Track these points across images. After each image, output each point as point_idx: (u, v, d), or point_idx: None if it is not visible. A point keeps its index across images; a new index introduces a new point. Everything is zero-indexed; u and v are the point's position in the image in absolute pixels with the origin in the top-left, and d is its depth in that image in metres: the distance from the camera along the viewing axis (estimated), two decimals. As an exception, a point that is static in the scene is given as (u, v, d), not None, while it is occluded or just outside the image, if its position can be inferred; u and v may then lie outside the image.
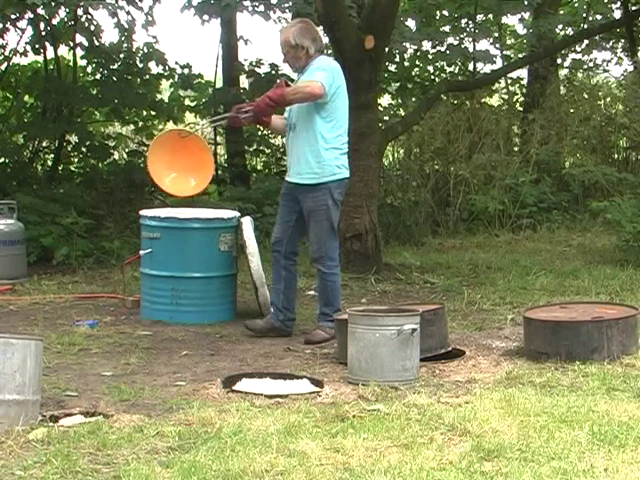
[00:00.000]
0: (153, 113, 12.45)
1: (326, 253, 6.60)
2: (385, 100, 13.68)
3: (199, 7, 10.86)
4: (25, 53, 11.72)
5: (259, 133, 12.92)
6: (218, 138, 12.98)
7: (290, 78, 12.85)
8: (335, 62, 6.87)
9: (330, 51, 13.13)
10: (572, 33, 14.43)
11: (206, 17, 11.03)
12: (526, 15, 13.90)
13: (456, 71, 14.07)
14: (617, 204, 9.97)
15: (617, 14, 14.44)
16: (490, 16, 14.10)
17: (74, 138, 12.12)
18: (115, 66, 12.06)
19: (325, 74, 6.50)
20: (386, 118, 12.45)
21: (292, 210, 6.70)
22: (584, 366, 5.72)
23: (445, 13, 14.05)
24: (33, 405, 4.73)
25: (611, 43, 15.47)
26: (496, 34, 14.33)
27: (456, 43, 13.20)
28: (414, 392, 5.29)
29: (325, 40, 13.17)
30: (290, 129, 6.73)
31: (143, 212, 7.56)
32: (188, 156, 6.98)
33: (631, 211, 9.68)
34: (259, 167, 13.19)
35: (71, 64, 12.05)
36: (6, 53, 11.76)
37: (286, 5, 11.17)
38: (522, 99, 14.39)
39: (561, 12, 14.46)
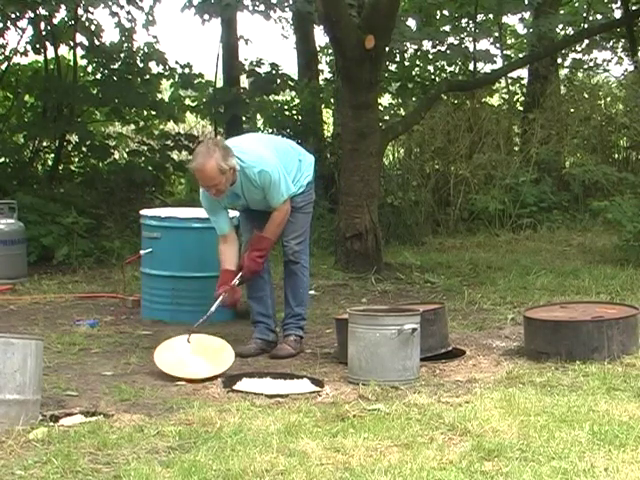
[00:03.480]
0: (153, 113, 12.45)
1: (304, 249, 6.43)
2: (385, 100, 13.68)
3: (199, 7, 10.88)
4: (25, 53, 11.73)
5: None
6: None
7: (290, 77, 12.94)
8: (254, 145, 6.34)
9: (330, 51, 13.22)
10: (572, 33, 14.45)
11: (206, 17, 11.04)
12: (526, 15, 13.93)
13: (456, 71, 14.07)
14: (617, 204, 9.97)
15: (617, 14, 14.46)
16: (490, 16, 14.12)
17: (74, 138, 12.12)
18: (115, 66, 12.06)
19: (280, 180, 6.13)
20: (386, 118, 12.45)
21: (265, 212, 6.35)
22: (584, 366, 5.72)
23: (445, 13, 14.07)
24: (33, 405, 4.73)
25: (611, 43, 15.50)
26: (496, 34, 14.35)
27: (456, 43, 13.21)
28: (414, 392, 5.29)
29: (325, 40, 13.32)
30: (250, 211, 6.44)
31: (143, 212, 7.56)
32: (200, 347, 6.10)
33: (631, 211, 9.69)
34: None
35: (71, 64, 12.04)
36: (6, 53, 11.76)
37: (286, 4, 11.18)
38: (522, 99, 14.39)
39: (561, 12, 14.46)
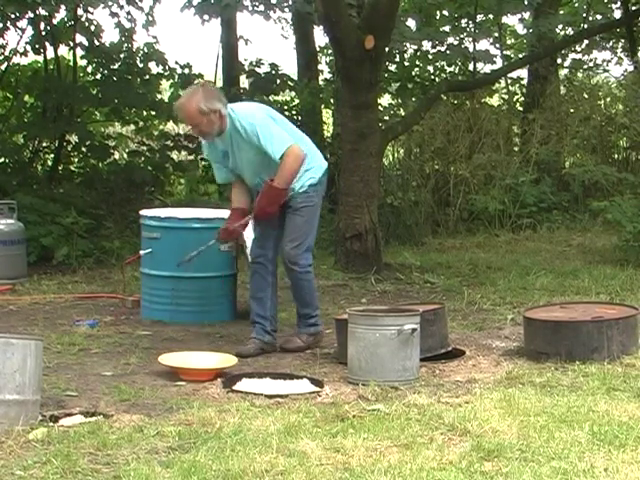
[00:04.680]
0: (153, 113, 12.45)
1: (302, 253, 6.30)
2: (385, 100, 13.69)
3: (199, 7, 10.88)
4: (25, 53, 11.72)
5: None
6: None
7: (290, 78, 12.94)
8: (251, 105, 6.57)
9: (330, 51, 13.21)
10: (572, 33, 14.45)
11: (206, 17, 11.05)
12: (526, 15, 13.94)
13: (456, 71, 14.08)
14: (617, 204, 9.98)
15: (617, 14, 14.46)
16: (490, 16, 14.12)
17: (74, 138, 12.11)
18: (115, 66, 12.05)
19: (272, 129, 6.12)
20: (386, 118, 12.45)
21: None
22: (584, 366, 5.72)
23: (445, 13, 14.07)
24: (33, 405, 4.73)
25: (611, 43, 15.50)
26: (496, 34, 14.35)
27: (456, 43, 13.22)
28: (414, 392, 5.28)
29: (325, 40, 13.32)
30: (258, 185, 6.37)
31: (143, 212, 7.56)
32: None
33: (631, 211, 9.69)
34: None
35: (71, 64, 12.04)
36: (6, 53, 11.75)
37: (286, 5, 11.19)
38: (522, 99, 14.40)
39: (561, 12, 14.47)
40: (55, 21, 11.69)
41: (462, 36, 13.65)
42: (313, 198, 6.36)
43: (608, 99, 13.90)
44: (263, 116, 6.21)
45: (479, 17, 14.02)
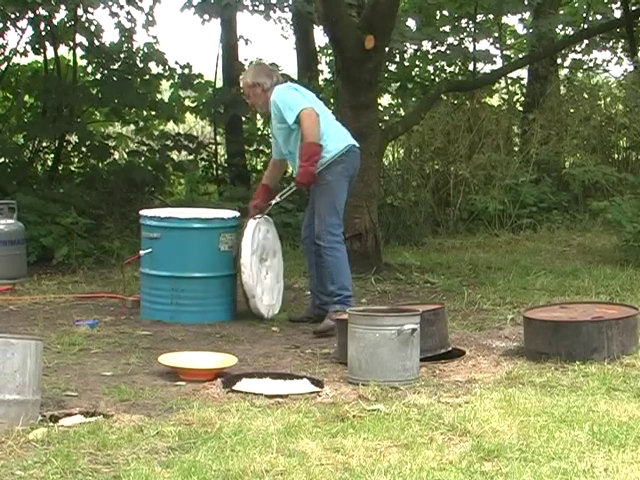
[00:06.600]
0: (153, 113, 12.45)
1: (326, 228, 6.80)
2: (385, 100, 13.69)
3: (199, 7, 10.88)
4: (25, 53, 11.72)
5: (259, 133, 12.93)
6: (218, 138, 12.98)
7: (290, 78, 12.92)
8: (286, 86, 7.06)
9: (330, 51, 13.21)
10: (572, 33, 14.44)
11: (206, 17, 11.05)
12: (526, 15, 13.93)
13: (456, 71, 14.09)
14: (617, 204, 9.98)
15: (617, 14, 14.45)
16: (490, 16, 14.12)
17: (74, 138, 12.11)
18: (115, 66, 12.05)
19: (290, 96, 6.86)
20: (386, 118, 12.45)
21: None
22: (584, 366, 5.72)
23: (445, 13, 14.07)
24: (33, 405, 4.73)
25: (611, 43, 15.49)
26: (496, 34, 14.34)
27: (456, 43, 13.22)
28: (414, 392, 5.29)
29: (325, 40, 13.32)
30: (290, 159, 7.11)
31: (143, 212, 7.56)
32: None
33: (631, 211, 9.69)
34: (259, 167, 13.18)
35: (71, 64, 12.04)
36: (6, 53, 11.75)
37: (286, 4, 11.18)
38: (522, 99, 14.40)
39: (561, 12, 14.47)
40: (55, 21, 11.69)
41: (462, 36, 13.66)
42: (325, 176, 6.84)
43: (608, 99, 13.90)
44: (285, 87, 6.96)
45: (479, 17, 14.02)
